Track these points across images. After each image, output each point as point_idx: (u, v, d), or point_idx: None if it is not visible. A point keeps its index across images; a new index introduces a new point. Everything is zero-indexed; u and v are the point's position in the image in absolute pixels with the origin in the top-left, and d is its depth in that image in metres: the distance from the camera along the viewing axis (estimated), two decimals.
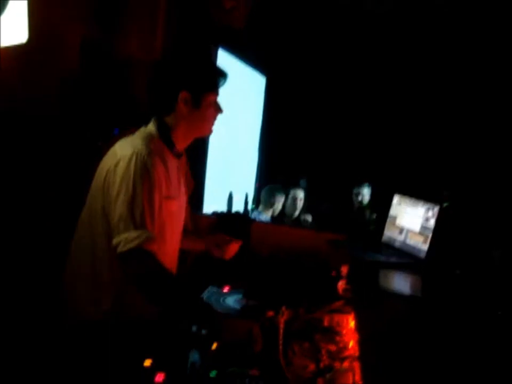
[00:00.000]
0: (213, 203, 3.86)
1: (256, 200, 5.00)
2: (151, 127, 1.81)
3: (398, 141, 5.07)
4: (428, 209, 2.50)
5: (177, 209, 1.87)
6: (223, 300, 2.04)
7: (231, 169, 4.73)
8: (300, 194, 4.80)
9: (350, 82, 5.30)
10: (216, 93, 1.81)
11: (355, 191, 4.95)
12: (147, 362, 1.46)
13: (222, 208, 4.11)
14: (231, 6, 3.08)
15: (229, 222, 3.05)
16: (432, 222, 2.44)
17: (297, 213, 4.79)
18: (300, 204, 4.79)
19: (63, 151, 2.18)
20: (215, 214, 3.15)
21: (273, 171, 5.47)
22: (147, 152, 1.68)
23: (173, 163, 1.82)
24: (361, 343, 1.67)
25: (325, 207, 5.05)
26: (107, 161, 1.74)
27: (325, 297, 2.20)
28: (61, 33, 2.29)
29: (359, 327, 1.79)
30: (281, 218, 4.77)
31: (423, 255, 2.43)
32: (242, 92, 4.81)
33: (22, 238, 2.10)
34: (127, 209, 1.62)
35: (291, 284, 2.35)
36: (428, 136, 4.88)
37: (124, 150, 1.70)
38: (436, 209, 2.45)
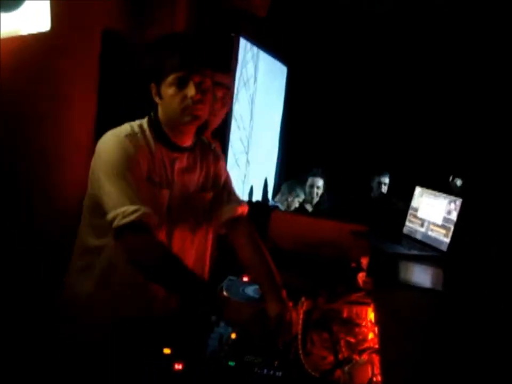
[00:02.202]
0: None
1: (275, 192, 5.00)
2: (144, 119, 1.81)
3: (418, 131, 5.03)
4: (450, 202, 2.48)
5: (169, 200, 1.79)
6: (243, 290, 2.03)
7: (253, 160, 4.73)
8: (318, 182, 4.79)
9: (371, 74, 5.25)
10: (173, 72, 1.67)
11: (377, 180, 4.91)
12: (167, 350, 1.46)
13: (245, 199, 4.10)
14: None
15: (248, 211, 3.03)
16: (454, 215, 2.42)
17: (315, 201, 4.78)
18: (317, 192, 4.78)
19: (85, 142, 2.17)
20: None
21: (294, 163, 5.45)
22: (126, 134, 1.69)
23: (164, 154, 1.77)
24: (381, 335, 1.66)
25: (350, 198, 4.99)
26: (95, 150, 1.74)
27: (344, 288, 2.20)
28: (82, 23, 2.29)
29: (379, 320, 1.78)
30: (300, 206, 4.78)
31: (444, 247, 2.42)
32: (263, 81, 4.81)
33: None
34: (119, 186, 1.61)
35: (311, 275, 2.34)
36: (448, 127, 4.83)
37: (106, 136, 1.72)
38: (458, 202, 2.43)
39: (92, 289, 1.74)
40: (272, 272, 1.83)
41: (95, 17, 2.38)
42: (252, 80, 4.49)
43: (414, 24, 4.74)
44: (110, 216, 1.58)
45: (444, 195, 2.53)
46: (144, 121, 1.79)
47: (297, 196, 4.62)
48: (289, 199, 4.59)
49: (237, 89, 4.03)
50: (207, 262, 2.01)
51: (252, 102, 4.57)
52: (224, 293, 1.97)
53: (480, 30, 4.29)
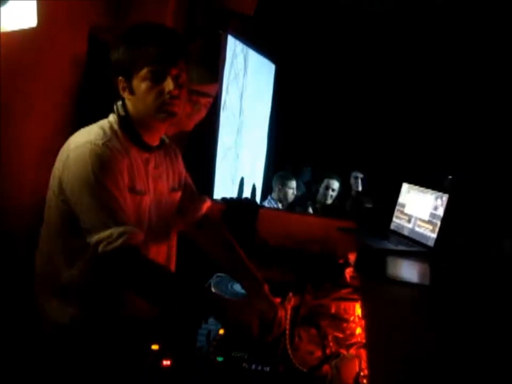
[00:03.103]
0: (224, 190, 3.85)
1: (267, 188, 5.01)
2: (113, 114, 1.66)
3: (403, 128, 5.05)
4: (436, 198, 2.50)
5: (149, 205, 1.69)
6: (231, 286, 2.03)
7: (242, 156, 4.73)
8: (334, 184, 4.82)
9: (359, 71, 5.27)
10: (148, 65, 1.55)
11: (353, 175, 4.95)
12: (155, 347, 1.46)
13: (234, 194, 4.12)
14: None
15: (237, 208, 3.04)
16: (441, 210, 2.44)
17: (328, 202, 4.80)
18: (332, 194, 4.80)
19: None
20: (224, 200, 3.14)
21: (282, 159, 5.46)
22: (103, 141, 1.53)
23: (137, 156, 1.65)
24: (368, 330, 1.67)
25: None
26: (61, 153, 1.59)
27: (332, 284, 2.21)
28: (69, 22, 2.27)
29: (366, 315, 1.79)
30: (313, 205, 4.83)
31: (431, 243, 2.43)
32: (251, 78, 4.80)
33: None
34: (100, 203, 1.47)
35: (298, 271, 2.35)
36: (434, 124, 4.86)
37: (77, 140, 1.56)
38: (445, 197, 2.44)
39: (76, 312, 1.65)
40: (248, 268, 1.80)
41: (82, 17, 2.37)
42: (241, 73, 4.49)
43: (403, 22, 4.76)
44: (93, 239, 1.46)
45: (431, 191, 2.55)
46: (113, 121, 1.64)
47: (289, 186, 4.60)
48: (284, 191, 4.58)
49: (227, 82, 4.02)
50: (174, 261, 1.95)
51: (241, 96, 4.56)
52: (213, 290, 1.97)
53: (478, 30, 4.30)
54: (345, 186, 5.07)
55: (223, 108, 3.89)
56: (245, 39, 4.34)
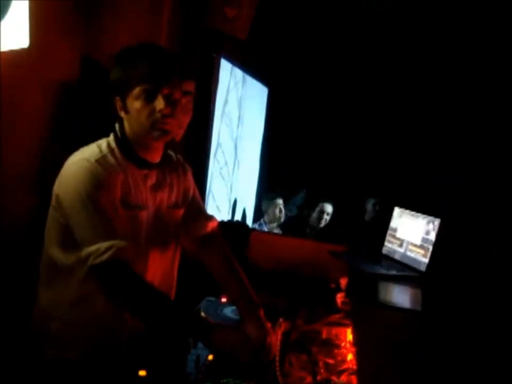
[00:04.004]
0: (217, 212, 3.83)
1: (259, 211, 5.00)
2: (112, 134, 1.70)
3: (398, 153, 5.05)
4: (428, 222, 2.49)
5: (147, 220, 1.71)
6: (221, 311, 2.00)
7: (235, 178, 4.72)
8: (328, 208, 4.81)
9: (352, 95, 5.29)
10: (140, 84, 1.58)
11: (371, 202, 4.93)
12: (142, 373, 1.43)
13: (227, 216, 4.10)
14: (233, 15, 3.07)
15: (227, 231, 3.01)
16: (432, 235, 2.43)
17: (322, 226, 4.79)
18: (326, 218, 4.79)
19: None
20: None
21: (274, 182, 5.45)
22: (96, 158, 1.58)
23: (135, 172, 1.68)
24: (359, 356, 1.65)
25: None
26: (61, 172, 1.63)
27: (323, 309, 2.18)
28: (61, 44, 2.26)
29: (357, 341, 1.76)
30: (304, 229, 4.81)
31: (423, 267, 2.42)
32: (244, 101, 4.81)
33: None
34: (90, 218, 1.52)
35: (289, 295, 2.33)
36: (425, 149, 4.86)
37: (73, 158, 1.61)
38: (437, 222, 2.44)
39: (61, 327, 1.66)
40: (248, 291, 1.78)
41: (74, 38, 2.36)
42: (240, 83, 4.51)
43: (395, 48, 4.80)
44: (83, 253, 1.51)
45: (423, 215, 2.55)
46: (111, 139, 1.68)
47: (273, 207, 4.59)
48: (270, 213, 4.57)
49: (227, 91, 4.02)
50: (174, 281, 1.94)
51: (240, 106, 4.57)
52: (202, 314, 1.93)
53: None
54: (341, 211, 5.04)
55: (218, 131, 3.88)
56: (238, 62, 4.36)
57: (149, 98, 1.58)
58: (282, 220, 4.64)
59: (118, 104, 1.64)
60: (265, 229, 4.47)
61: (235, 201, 4.42)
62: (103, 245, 1.48)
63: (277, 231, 4.57)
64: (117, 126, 1.70)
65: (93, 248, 1.49)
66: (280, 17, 4.49)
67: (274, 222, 4.57)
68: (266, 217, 4.57)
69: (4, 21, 1.84)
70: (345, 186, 5.28)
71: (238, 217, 4.56)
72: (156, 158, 1.74)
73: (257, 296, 1.77)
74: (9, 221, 1.98)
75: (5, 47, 1.87)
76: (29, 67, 2.05)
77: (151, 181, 1.74)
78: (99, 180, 1.55)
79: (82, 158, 1.58)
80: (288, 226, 4.89)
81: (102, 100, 2.25)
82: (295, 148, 5.52)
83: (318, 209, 4.82)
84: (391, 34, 4.81)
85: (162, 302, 1.56)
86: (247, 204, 4.97)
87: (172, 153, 1.87)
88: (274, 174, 5.51)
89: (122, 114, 1.65)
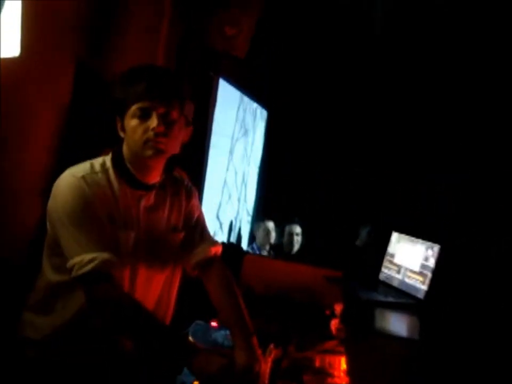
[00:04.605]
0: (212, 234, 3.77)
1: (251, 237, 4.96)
2: (107, 156, 1.69)
3: (395, 178, 5.02)
4: (427, 248, 2.43)
5: (136, 242, 1.66)
6: (210, 335, 1.93)
7: (231, 201, 4.69)
8: (296, 229, 4.74)
9: (350, 122, 5.27)
10: (136, 103, 1.58)
11: (367, 229, 4.89)
12: None
13: (223, 239, 4.05)
14: (232, 33, 3.04)
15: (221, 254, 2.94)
16: (432, 261, 2.37)
17: (295, 249, 4.72)
18: (297, 238, 4.72)
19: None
20: None
21: (271, 206, 5.41)
22: (83, 174, 1.59)
23: (128, 193, 1.65)
24: None
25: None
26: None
27: (317, 336, 2.12)
28: (54, 53, 2.21)
29: (352, 370, 1.69)
30: (280, 254, 4.72)
31: (421, 295, 2.36)
32: (242, 123, 4.80)
33: None
34: (74, 232, 1.53)
35: (281, 320, 2.26)
36: (423, 174, 4.82)
37: (64, 173, 1.61)
38: (436, 248, 2.38)
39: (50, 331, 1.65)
40: (244, 318, 1.72)
41: (68, 50, 2.31)
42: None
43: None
44: (68, 264, 1.51)
45: (421, 241, 2.49)
46: (108, 158, 1.68)
47: (260, 232, 4.56)
48: (259, 238, 4.55)
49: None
50: (172, 305, 1.88)
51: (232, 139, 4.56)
52: (190, 339, 1.88)
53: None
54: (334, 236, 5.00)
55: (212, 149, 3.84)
56: (236, 83, 4.34)
57: (143, 116, 1.58)
58: (272, 241, 4.59)
59: (118, 124, 1.64)
60: (257, 252, 4.43)
61: (231, 224, 4.38)
62: (87, 256, 1.48)
63: (266, 254, 4.52)
64: (115, 147, 1.69)
65: (77, 259, 1.49)
66: (278, 37, 4.48)
67: (265, 245, 4.54)
68: (257, 240, 4.53)
69: None
70: (339, 211, 5.23)
71: (233, 239, 4.51)
72: (154, 178, 1.70)
73: (252, 324, 1.71)
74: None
75: None
76: (20, 76, 2.00)
77: (147, 202, 1.70)
78: (82, 194, 1.55)
79: (69, 173, 1.59)
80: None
81: (97, 110, 2.22)
82: (292, 172, 5.49)
83: (285, 233, 4.74)
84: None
85: (144, 320, 1.51)
86: (243, 227, 4.92)
87: (177, 174, 1.84)
88: (270, 198, 5.47)
89: (121, 134, 1.64)
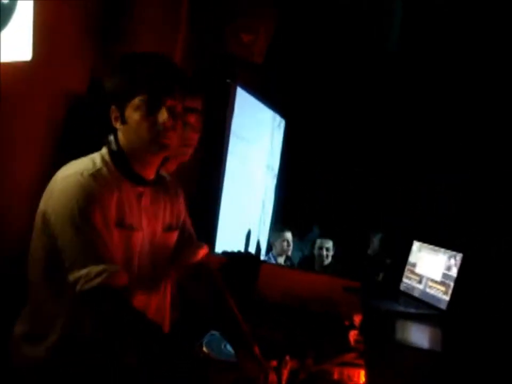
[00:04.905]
0: (230, 242, 3.72)
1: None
2: (104, 148, 1.56)
3: (416, 187, 4.95)
4: (449, 257, 2.36)
5: (140, 242, 1.57)
6: (224, 346, 1.86)
7: (248, 210, 4.65)
8: (328, 243, 4.76)
9: (370, 129, 5.21)
10: (141, 94, 1.47)
11: (378, 237, 4.86)
12: None
13: (240, 247, 4.00)
14: (249, 39, 3.01)
15: (237, 262, 2.89)
16: (454, 271, 2.29)
17: (326, 262, 4.74)
18: (327, 253, 4.75)
19: None
20: (224, 254, 3.00)
21: (289, 215, 5.36)
22: (91, 172, 1.45)
23: (130, 190, 1.55)
24: None
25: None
26: (47, 188, 1.50)
27: (335, 348, 2.05)
28: (66, 57, 2.18)
29: (371, 383, 1.62)
30: (312, 266, 4.75)
31: (444, 305, 2.29)
32: (260, 131, 4.77)
33: None
34: (82, 238, 1.39)
35: (299, 331, 2.20)
36: (445, 182, 4.75)
37: (66, 171, 1.48)
38: (459, 257, 2.30)
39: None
40: (240, 326, 1.67)
41: (82, 55, 2.28)
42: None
43: (412, 76, 4.74)
44: (71, 277, 1.37)
45: (443, 250, 2.41)
46: (104, 152, 1.55)
47: (277, 240, 4.56)
48: (276, 246, 4.56)
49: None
50: (168, 311, 1.81)
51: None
52: (204, 350, 1.81)
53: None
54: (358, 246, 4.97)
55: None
56: (254, 91, 4.30)
57: (150, 109, 1.47)
58: (289, 253, 4.60)
59: (114, 114, 1.51)
60: (273, 262, 4.41)
61: (249, 233, 4.33)
62: (95, 269, 1.36)
63: (282, 264, 4.51)
64: (111, 138, 1.56)
65: (83, 272, 1.36)
66: (297, 46, 4.45)
67: (282, 255, 4.53)
68: (274, 250, 4.50)
69: (5, 30, 1.78)
70: (350, 219, 5.18)
71: (252, 249, 4.45)
72: (151, 174, 1.60)
73: (255, 330, 1.69)
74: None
75: (6, 58, 1.80)
76: (31, 82, 1.97)
77: (146, 199, 1.60)
78: (94, 195, 1.42)
79: (75, 172, 1.45)
80: (304, 266, 4.87)
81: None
82: (312, 181, 5.44)
83: (316, 246, 4.80)
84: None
85: (154, 335, 1.43)
86: (261, 236, 4.88)
87: (164, 173, 1.73)
88: (289, 207, 5.43)
89: (118, 125, 1.52)
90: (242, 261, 2.96)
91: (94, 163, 1.50)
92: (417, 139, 4.88)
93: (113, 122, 1.52)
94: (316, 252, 4.77)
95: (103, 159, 1.53)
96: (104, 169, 1.50)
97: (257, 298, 2.67)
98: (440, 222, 4.23)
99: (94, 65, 2.32)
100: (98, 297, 1.37)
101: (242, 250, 3.88)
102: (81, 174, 1.44)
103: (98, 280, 1.35)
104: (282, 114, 5.37)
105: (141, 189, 1.58)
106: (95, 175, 1.46)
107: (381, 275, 4.35)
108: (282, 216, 5.39)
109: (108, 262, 1.38)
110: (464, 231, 3.11)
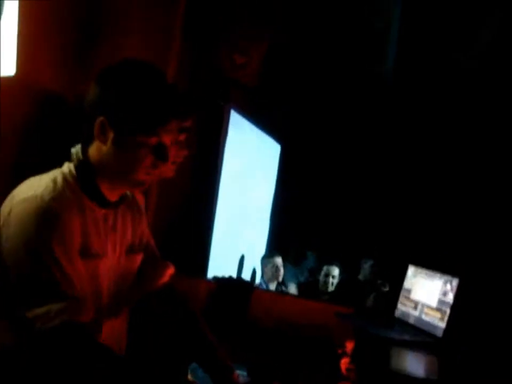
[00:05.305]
0: (223, 268, 3.65)
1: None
2: (68, 163, 1.42)
3: (411, 210, 4.91)
4: (445, 282, 2.28)
5: (107, 270, 1.46)
6: None
7: (242, 235, 4.59)
8: (334, 271, 4.74)
9: (367, 153, 5.20)
10: (152, 135, 1.37)
11: (369, 263, 4.85)
12: None
13: (233, 273, 3.94)
14: (242, 61, 2.98)
15: (228, 288, 2.82)
16: (450, 297, 2.22)
17: (330, 289, 4.73)
18: (333, 281, 4.73)
19: None
20: (215, 279, 2.93)
21: (284, 240, 5.31)
22: (53, 195, 1.30)
23: (95, 213, 1.42)
24: None
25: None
26: (3, 207, 1.35)
27: (326, 376, 1.98)
28: (52, 77, 2.12)
29: None
30: (314, 292, 4.76)
31: (440, 332, 2.20)
32: (255, 156, 4.73)
33: None
34: (39, 273, 1.25)
35: (288, 357, 2.14)
36: (440, 205, 4.71)
37: (23, 193, 1.32)
38: (455, 282, 2.23)
39: None
40: (216, 351, 1.61)
41: (70, 72, 2.23)
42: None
43: (411, 104, 4.74)
44: (29, 314, 1.23)
45: (439, 274, 2.34)
46: (67, 171, 1.40)
47: (267, 267, 4.53)
48: (266, 273, 4.52)
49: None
50: (124, 340, 1.71)
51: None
52: (189, 377, 1.78)
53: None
54: (349, 273, 4.94)
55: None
56: (248, 114, 4.26)
57: (157, 151, 1.38)
58: (280, 278, 4.55)
59: (101, 125, 1.36)
60: (264, 288, 4.39)
61: (242, 258, 4.27)
62: (55, 306, 1.23)
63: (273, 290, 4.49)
64: (76, 150, 1.42)
65: (42, 310, 1.23)
66: (291, 69, 4.44)
67: (273, 281, 4.48)
68: (265, 276, 4.45)
69: None
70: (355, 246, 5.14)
71: (246, 275, 4.39)
72: (115, 196, 1.49)
73: (238, 356, 1.66)
74: None
75: None
76: (14, 97, 1.92)
77: (110, 222, 1.49)
78: (54, 223, 1.28)
79: (35, 195, 1.30)
80: (303, 291, 4.89)
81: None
82: (307, 207, 5.40)
83: (322, 273, 4.79)
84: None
85: (122, 371, 1.31)
86: (256, 261, 4.82)
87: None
88: (283, 233, 5.38)
89: (100, 138, 1.37)
90: (233, 287, 2.89)
91: (54, 183, 1.35)
92: (411, 161, 4.87)
93: (95, 133, 1.38)
94: (321, 278, 4.76)
95: (64, 178, 1.38)
96: (67, 190, 1.36)
97: (248, 323, 2.61)
98: (435, 245, 4.18)
99: (83, 78, 2.28)
100: (60, 337, 1.24)
101: (235, 276, 3.82)
102: (41, 197, 1.29)
103: (58, 320, 1.23)
104: (278, 139, 5.35)
105: (104, 210, 1.46)
106: (56, 198, 1.31)
107: (371, 300, 4.32)
108: (276, 242, 5.34)
109: (70, 297, 1.26)
110: (461, 254, 3.04)
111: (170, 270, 1.70)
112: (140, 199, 1.70)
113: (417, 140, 4.83)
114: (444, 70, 4.48)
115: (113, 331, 1.57)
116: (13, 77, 1.84)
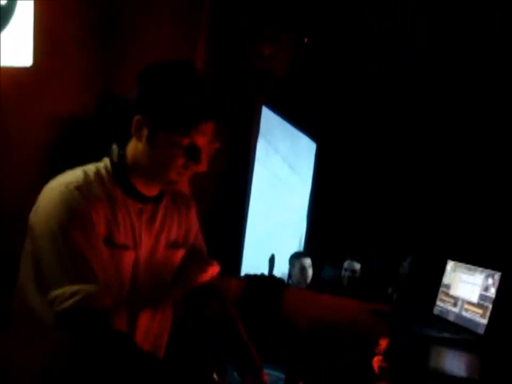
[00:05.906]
0: (256, 266, 3.61)
1: None
2: (106, 158, 1.48)
3: (450, 205, 4.76)
4: (487, 277, 2.17)
5: (134, 261, 1.47)
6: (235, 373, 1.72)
7: (276, 234, 4.55)
8: (354, 266, 4.64)
9: (403, 150, 5.05)
10: (186, 136, 1.38)
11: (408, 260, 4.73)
12: None
13: (265, 271, 3.89)
14: (270, 52, 2.90)
15: (260, 286, 2.75)
16: (492, 291, 2.11)
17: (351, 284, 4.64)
18: (354, 276, 4.63)
19: None
20: (246, 277, 2.86)
21: (320, 240, 5.22)
22: (77, 185, 1.36)
23: (129, 206, 1.46)
24: None
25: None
26: (39, 196, 1.41)
27: (359, 375, 1.89)
28: (70, 71, 2.10)
29: None
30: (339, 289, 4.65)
31: (481, 330, 2.10)
32: (290, 154, 4.69)
33: None
34: (60, 255, 1.29)
35: (322, 359, 2.05)
36: (479, 198, 4.54)
37: (54, 181, 1.40)
38: (497, 276, 2.11)
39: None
40: (249, 351, 1.58)
41: (91, 67, 2.20)
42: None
43: (448, 99, 4.59)
44: (49, 296, 1.28)
45: (480, 269, 2.23)
46: (102, 165, 1.47)
47: (295, 267, 4.42)
48: (293, 273, 4.41)
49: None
50: (167, 335, 1.69)
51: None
52: (215, 377, 1.73)
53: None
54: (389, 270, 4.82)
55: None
56: (282, 113, 4.19)
57: (190, 153, 1.40)
58: (308, 280, 4.42)
59: (136, 123, 1.40)
60: None
61: (272, 257, 4.21)
62: (70, 288, 1.26)
63: None
64: (114, 147, 1.48)
65: (59, 291, 1.26)
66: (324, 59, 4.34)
67: (301, 283, 4.36)
68: (293, 278, 4.37)
69: (4, 33, 1.71)
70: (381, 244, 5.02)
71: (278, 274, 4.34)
72: (154, 191, 1.52)
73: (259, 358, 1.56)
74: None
75: (5, 63, 1.73)
76: (31, 90, 1.89)
77: (146, 216, 1.51)
78: (74, 210, 1.33)
79: (61, 183, 1.37)
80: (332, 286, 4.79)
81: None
82: (344, 207, 5.29)
83: (344, 266, 4.69)
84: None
85: (143, 366, 1.28)
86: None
87: None
88: (321, 233, 5.29)
89: (137, 136, 1.41)
90: (265, 285, 2.83)
91: (86, 175, 1.41)
92: (453, 156, 4.71)
93: (132, 130, 1.41)
94: (343, 272, 4.69)
95: (98, 172, 1.44)
96: (96, 184, 1.41)
97: (281, 322, 2.54)
98: (475, 239, 4.04)
99: (105, 75, 2.25)
100: (71, 320, 1.26)
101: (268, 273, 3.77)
102: (66, 186, 1.35)
103: (71, 301, 1.25)
104: (314, 137, 5.27)
105: (141, 205, 1.48)
106: (82, 188, 1.36)
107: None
108: (313, 243, 5.27)
109: (89, 282, 1.28)
110: (502, 248, 2.89)
111: (214, 269, 1.68)
112: (188, 193, 1.74)
113: (456, 137, 4.68)
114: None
115: (151, 326, 1.58)
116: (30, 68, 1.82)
